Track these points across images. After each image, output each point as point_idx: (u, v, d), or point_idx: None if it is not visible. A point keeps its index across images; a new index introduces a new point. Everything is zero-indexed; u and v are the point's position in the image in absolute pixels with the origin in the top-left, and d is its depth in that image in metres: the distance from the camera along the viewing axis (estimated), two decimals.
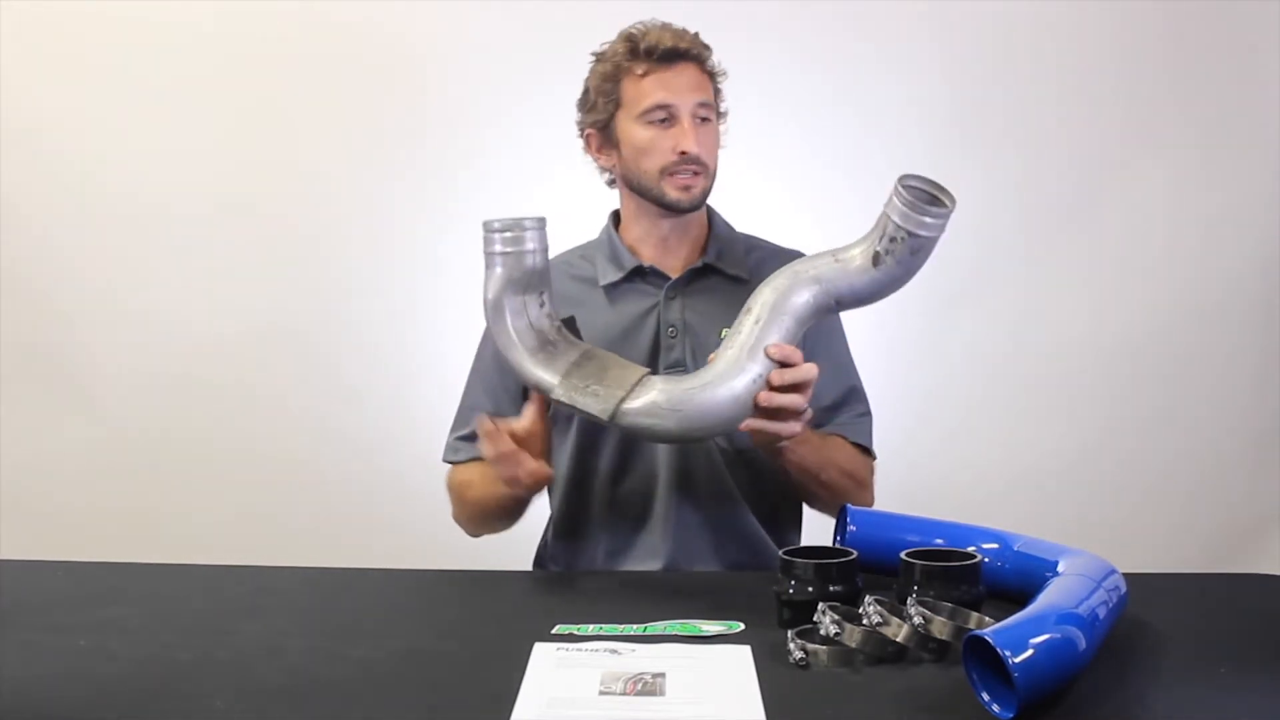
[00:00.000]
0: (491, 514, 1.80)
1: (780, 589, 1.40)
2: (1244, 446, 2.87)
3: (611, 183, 1.86)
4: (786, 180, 2.79)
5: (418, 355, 2.82)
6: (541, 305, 1.56)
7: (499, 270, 1.53)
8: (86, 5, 2.82)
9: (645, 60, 1.74)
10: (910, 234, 1.45)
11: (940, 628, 1.26)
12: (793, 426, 1.53)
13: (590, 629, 1.39)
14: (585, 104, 1.81)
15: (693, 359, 1.76)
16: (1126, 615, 1.37)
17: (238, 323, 2.85)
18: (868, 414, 1.85)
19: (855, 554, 1.43)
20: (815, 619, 1.30)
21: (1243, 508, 2.87)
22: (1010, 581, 1.44)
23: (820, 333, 1.70)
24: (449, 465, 1.86)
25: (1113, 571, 1.38)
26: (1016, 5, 2.84)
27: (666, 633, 1.38)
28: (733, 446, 1.77)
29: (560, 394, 1.53)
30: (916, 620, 1.26)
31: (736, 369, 1.48)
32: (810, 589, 1.38)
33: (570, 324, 1.61)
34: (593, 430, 1.75)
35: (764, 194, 2.54)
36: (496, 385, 1.83)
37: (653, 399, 1.49)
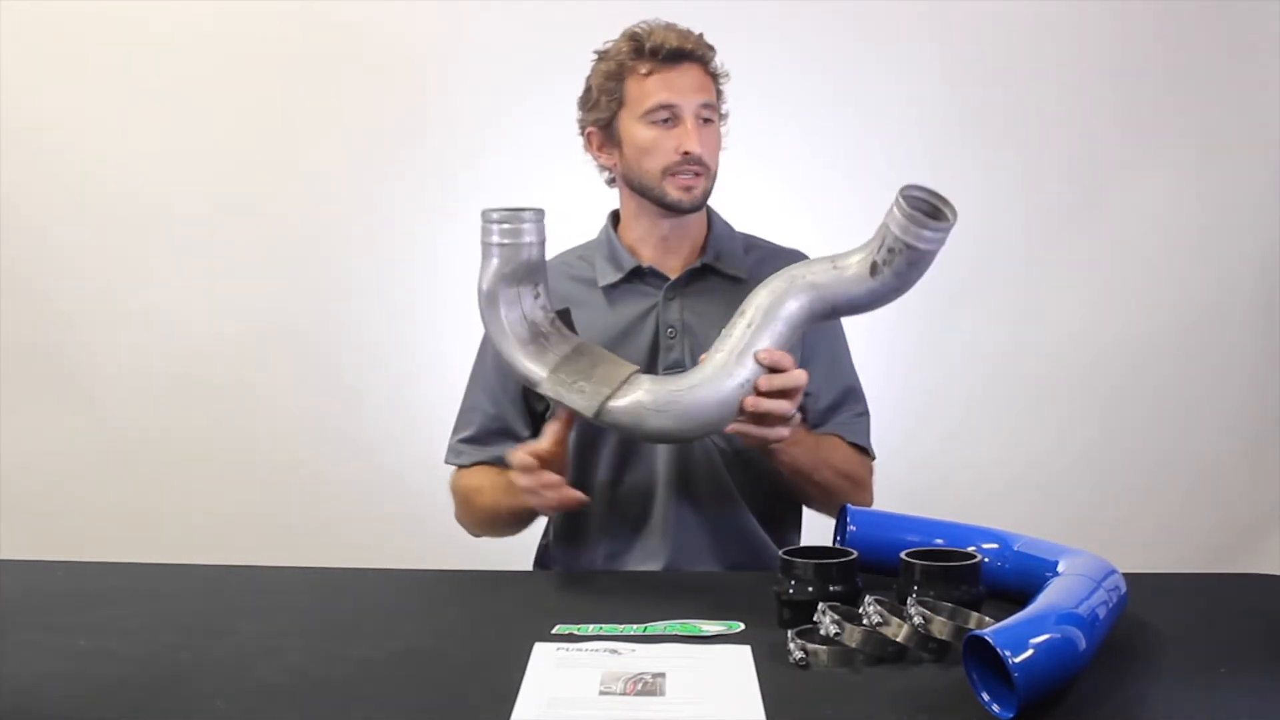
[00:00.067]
0: (503, 521, 1.80)
1: (780, 589, 1.40)
2: (1243, 446, 2.87)
3: (611, 182, 1.85)
4: (786, 180, 2.79)
5: (418, 355, 2.82)
6: (536, 297, 1.56)
7: (495, 261, 1.53)
8: (86, 5, 2.82)
9: (650, 60, 1.74)
10: (908, 246, 1.44)
11: (940, 628, 1.26)
12: (779, 431, 1.53)
13: (590, 629, 1.39)
14: (587, 102, 1.80)
15: (692, 360, 1.75)
16: (1126, 615, 1.37)
17: (238, 323, 2.85)
18: (865, 414, 1.85)
19: (855, 554, 1.43)
20: (815, 619, 1.30)
21: (1242, 508, 2.87)
22: (1010, 581, 1.44)
23: (819, 333, 1.71)
24: (451, 467, 1.86)
25: (1113, 571, 1.38)
26: (1016, 5, 2.84)
27: (666, 633, 1.38)
28: (731, 447, 1.77)
29: (547, 388, 1.53)
30: (916, 620, 1.27)
31: (725, 372, 1.48)
32: (810, 589, 1.38)
33: (565, 316, 1.61)
34: (592, 431, 1.75)
35: (764, 194, 2.54)
36: (497, 388, 1.83)
37: (638, 398, 1.49)
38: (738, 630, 1.38)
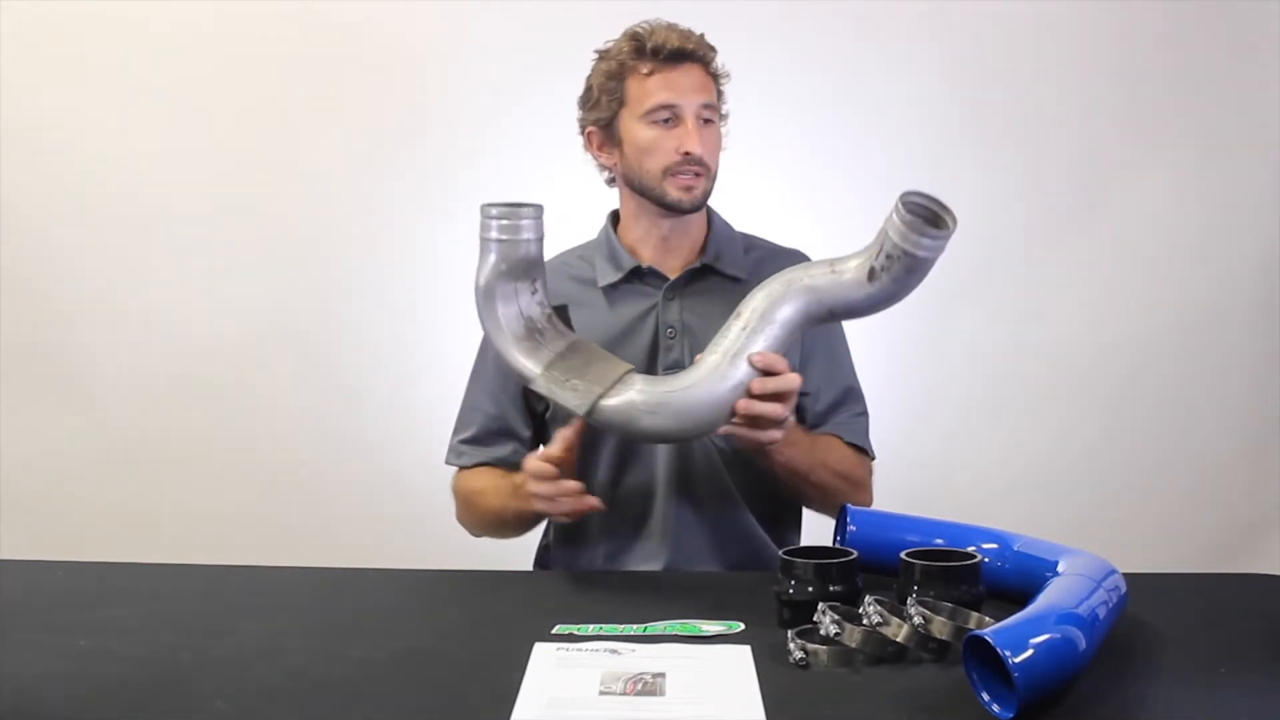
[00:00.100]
0: (508, 525, 1.80)
1: (780, 589, 1.40)
2: (1243, 446, 2.87)
3: (611, 181, 1.85)
4: (786, 180, 2.79)
5: (418, 355, 2.82)
6: (533, 293, 1.56)
7: (493, 256, 1.53)
8: (86, 5, 2.82)
9: (651, 60, 1.73)
10: (906, 253, 1.43)
11: (940, 628, 1.26)
12: (772, 434, 1.53)
13: (590, 629, 1.39)
14: (587, 101, 1.80)
15: (691, 360, 1.74)
16: (1126, 615, 1.37)
17: (238, 323, 2.85)
18: (864, 414, 1.85)
19: (855, 554, 1.43)
20: (815, 619, 1.30)
21: (1242, 508, 2.87)
22: (1010, 581, 1.44)
23: (819, 333, 1.70)
24: (452, 467, 1.86)
25: (1113, 571, 1.38)
26: (1016, 5, 2.84)
27: (666, 633, 1.38)
28: (731, 447, 1.77)
29: (540, 385, 1.53)
30: (916, 620, 1.27)
31: (718, 374, 1.48)
32: (810, 589, 1.38)
33: (562, 313, 1.60)
34: (591, 431, 1.75)
35: (764, 194, 2.54)
36: (498, 388, 1.83)
37: (630, 398, 1.49)
38: (738, 630, 1.38)
